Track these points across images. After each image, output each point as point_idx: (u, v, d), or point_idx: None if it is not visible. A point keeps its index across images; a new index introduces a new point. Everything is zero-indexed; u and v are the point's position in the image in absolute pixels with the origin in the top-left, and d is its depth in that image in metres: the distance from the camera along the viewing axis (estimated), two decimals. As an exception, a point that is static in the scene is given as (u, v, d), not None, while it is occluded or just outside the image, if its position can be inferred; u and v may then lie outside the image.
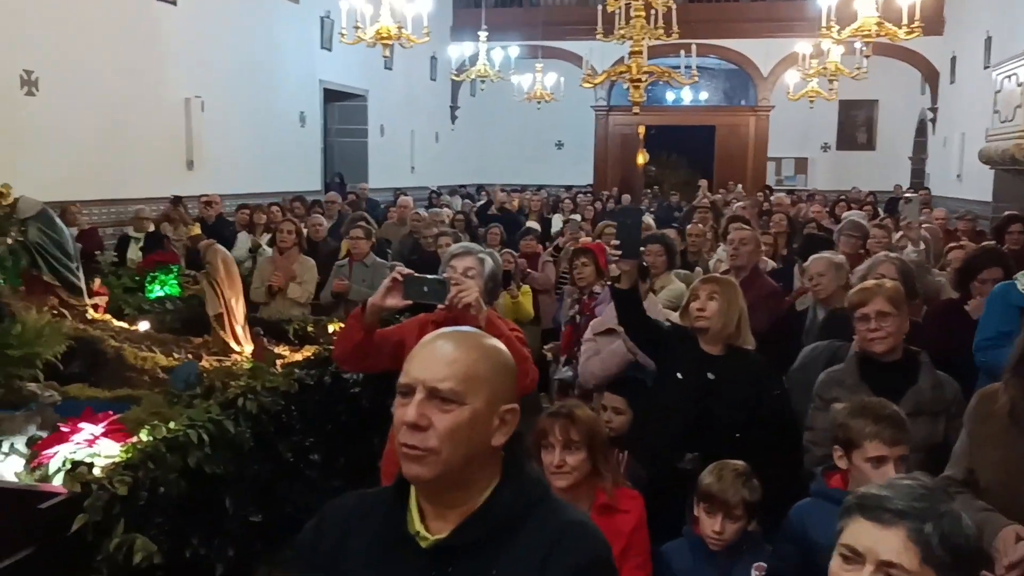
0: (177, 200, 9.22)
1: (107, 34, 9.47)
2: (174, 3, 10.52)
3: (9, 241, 5.19)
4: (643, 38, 9.42)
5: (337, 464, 4.74)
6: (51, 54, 8.67)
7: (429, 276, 2.88)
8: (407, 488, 1.55)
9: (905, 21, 8.62)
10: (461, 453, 1.47)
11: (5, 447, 3.43)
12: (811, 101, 14.17)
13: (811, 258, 4.53)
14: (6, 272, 5.21)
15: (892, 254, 4.15)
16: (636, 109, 10.08)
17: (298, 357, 5.22)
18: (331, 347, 5.13)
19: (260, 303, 6.51)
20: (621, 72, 9.93)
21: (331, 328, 5.82)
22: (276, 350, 5.43)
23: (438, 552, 1.48)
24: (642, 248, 4.13)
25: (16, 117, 8.19)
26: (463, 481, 1.50)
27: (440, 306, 2.93)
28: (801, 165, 20.10)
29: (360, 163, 16.06)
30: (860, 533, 1.44)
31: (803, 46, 13.09)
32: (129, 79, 9.80)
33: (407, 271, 2.90)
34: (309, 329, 5.89)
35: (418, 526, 1.52)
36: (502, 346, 1.59)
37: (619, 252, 3.19)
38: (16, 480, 3.25)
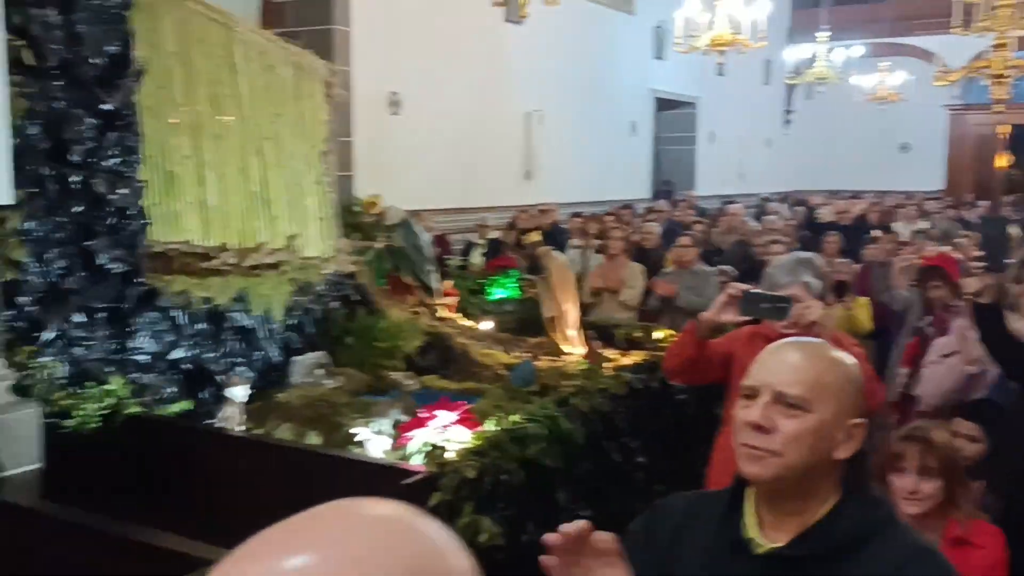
0: (511, 226, 9.79)
1: (460, 56, 10.28)
2: (520, 23, 11.19)
3: (378, 245, 5.89)
4: (1009, 29, 8.51)
5: (662, 469, 4.81)
6: (413, 77, 9.58)
7: (770, 293, 2.78)
8: (742, 493, 1.55)
9: None
10: (803, 460, 1.45)
11: (375, 428, 3.91)
12: None
13: None
14: (374, 273, 5.90)
15: None
16: (999, 108, 9.12)
17: (627, 361, 5.37)
18: (659, 353, 5.23)
19: (587, 303, 6.76)
20: (981, 68, 9.05)
21: (655, 335, 5.91)
22: (605, 353, 5.63)
23: (772, 560, 1.47)
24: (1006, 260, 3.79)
25: (384, 134, 9.15)
26: (802, 490, 1.48)
27: (780, 324, 2.79)
28: None
29: (687, 170, 16.06)
30: None
31: None
32: (478, 97, 10.57)
33: (743, 286, 2.86)
34: (636, 335, 6.02)
35: (754, 532, 1.51)
36: (851, 359, 1.55)
37: (983, 264, 2.95)
38: (384, 457, 3.69)
